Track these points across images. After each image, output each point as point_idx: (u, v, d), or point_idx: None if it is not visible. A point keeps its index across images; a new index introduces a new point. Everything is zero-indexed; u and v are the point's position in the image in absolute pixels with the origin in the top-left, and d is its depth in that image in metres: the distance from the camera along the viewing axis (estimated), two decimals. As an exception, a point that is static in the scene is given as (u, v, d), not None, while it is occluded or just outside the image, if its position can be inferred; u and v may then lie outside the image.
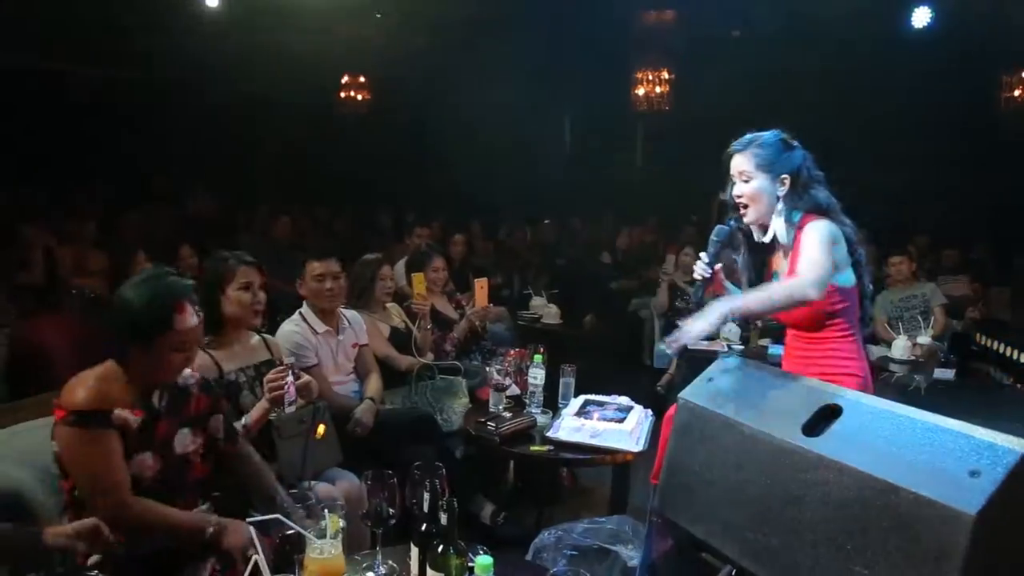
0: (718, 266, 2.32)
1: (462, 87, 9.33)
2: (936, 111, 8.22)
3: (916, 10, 7.35)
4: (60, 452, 1.90)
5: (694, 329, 2.00)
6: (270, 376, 2.47)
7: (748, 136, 2.29)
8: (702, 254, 2.31)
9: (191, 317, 1.95)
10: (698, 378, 1.94)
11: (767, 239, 2.30)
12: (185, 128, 8.88)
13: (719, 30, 8.36)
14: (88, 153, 8.42)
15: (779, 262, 2.34)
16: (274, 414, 2.53)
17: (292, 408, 2.47)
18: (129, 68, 8.88)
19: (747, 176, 2.25)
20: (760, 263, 2.40)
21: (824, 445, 1.54)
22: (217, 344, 2.67)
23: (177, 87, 9.09)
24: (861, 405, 1.59)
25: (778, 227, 2.25)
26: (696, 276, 2.32)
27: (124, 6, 7.52)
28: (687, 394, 1.90)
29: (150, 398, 2.01)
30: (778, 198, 2.23)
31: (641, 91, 9.02)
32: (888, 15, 7.47)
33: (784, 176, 2.22)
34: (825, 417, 1.61)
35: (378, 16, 8.79)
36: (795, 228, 2.21)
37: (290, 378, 2.44)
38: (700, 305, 2.09)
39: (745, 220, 2.31)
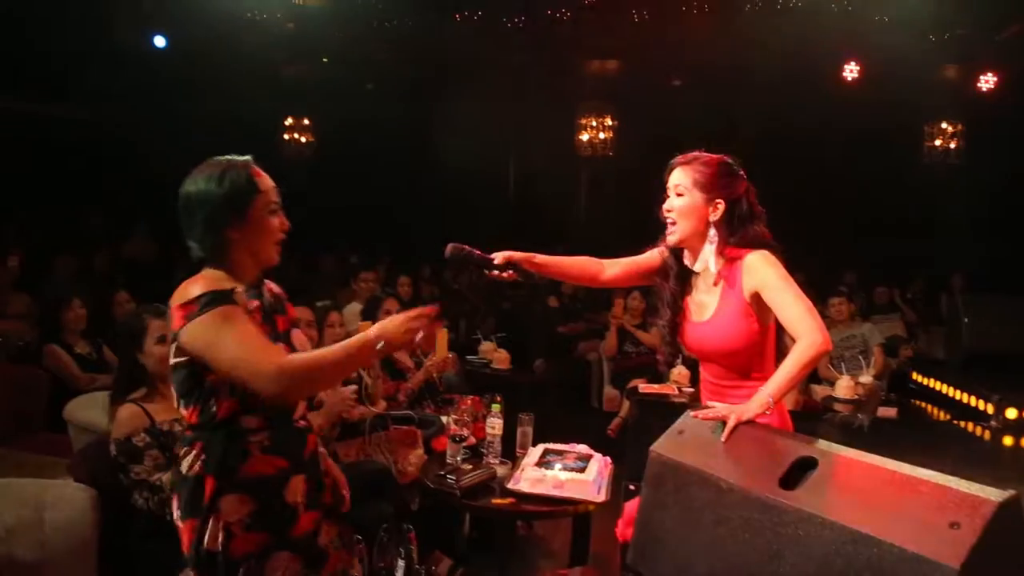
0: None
1: (408, 130, 9.35)
2: (868, 158, 8.62)
3: (847, 65, 7.75)
4: (197, 349, 1.74)
5: (735, 420, 1.84)
6: None
7: (694, 153, 2.17)
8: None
9: (267, 178, 1.92)
10: (668, 430, 1.92)
11: (697, 267, 2.18)
12: (125, 167, 8.64)
13: (661, 79, 8.62)
14: (16, 190, 8.10)
15: (701, 292, 2.21)
16: None
17: None
18: (68, 105, 8.63)
19: (681, 190, 2.13)
20: (680, 292, 2.25)
21: (802, 498, 1.53)
22: (148, 399, 2.63)
23: (118, 125, 8.87)
24: (836, 457, 1.59)
25: (709, 255, 2.13)
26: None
27: (64, 41, 7.33)
28: (659, 447, 1.89)
29: (261, 290, 1.94)
30: (709, 224, 2.12)
31: (585, 137, 9.17)
32: (822, 68, 7.82)
33: (718, 201, 2.10)
34: (800, 469, 1.61)
35: (325, 60, 8.77)
36: (727, 260, 2.10)
37: None
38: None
39: (669, 239, 2.18)
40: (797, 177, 8.83)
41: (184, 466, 1.82)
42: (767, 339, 2.13)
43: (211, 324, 1.71)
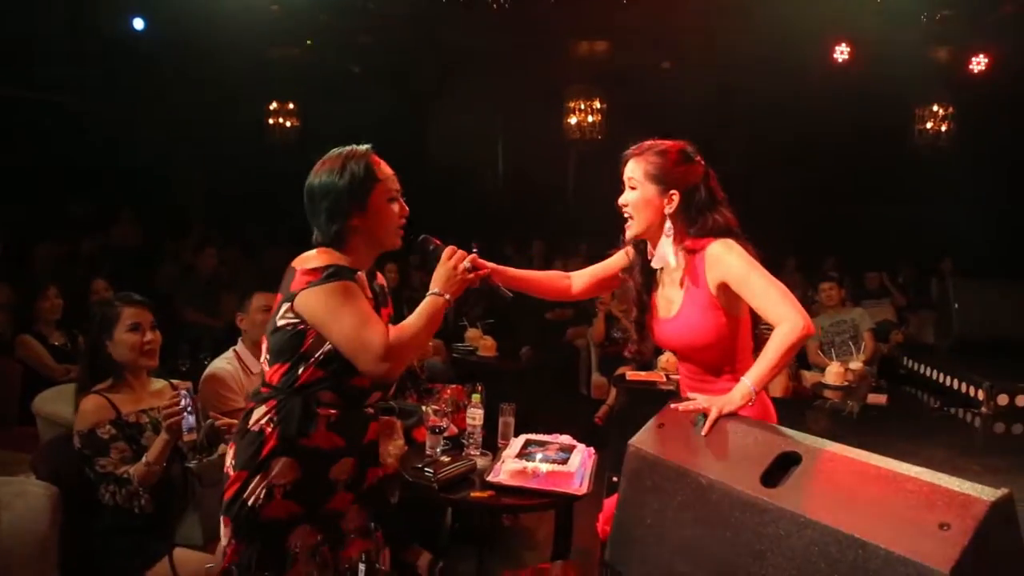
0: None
1: (394, 114, 9.22)
2: (859, 140, 8.56)
3: (837, 47, 7.67)
4: (313, 315, 1.83)
5: (716, 413, 1.76)
6: (164, 404, 2.41)
7: (648, 142, 2.08)
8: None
9: (385, 166, 1.99)
10: (648, 423, 1.85)
11: (656, 264, 2.09)
12: (109, 153, 8.50)
13: (651, 61, 8.52)
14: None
15: (667, 288, 2.13)
16: (182, 445, 2.44)
17: (192, 435, 2.38)
18: (53, 91, 8.46)
19: (634, 183, 2.04)
20: (646, 289, 2.17)
21: (785, 496, 1.46)
22: (114, 389, 2.56)
23: (100, 110, 8.71)
24: (820, 452, 1.52)
25: (666, 249, 2.04)
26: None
27: (46, 27, 7.18)
28: (637, 441, 1.81)
29: (372, 282, 2.04)
30: (665, 216, 2.02)
31: (573, 120, 9.06)
32: (812, 50, 7.74)
33: (673, 192, 2.00)
34: (783, 465, 1.54)
35: (309, 43, 8.62)
36: (687, 252, 2.01)
37: (185, 401, 2.36)
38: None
39: (627, 233, 2.10)
40: (787, 160, 8.78)
41: (251, 420, 1.90)
42: (739, 331, 2.05)
43: (331, 294, 1.80)
